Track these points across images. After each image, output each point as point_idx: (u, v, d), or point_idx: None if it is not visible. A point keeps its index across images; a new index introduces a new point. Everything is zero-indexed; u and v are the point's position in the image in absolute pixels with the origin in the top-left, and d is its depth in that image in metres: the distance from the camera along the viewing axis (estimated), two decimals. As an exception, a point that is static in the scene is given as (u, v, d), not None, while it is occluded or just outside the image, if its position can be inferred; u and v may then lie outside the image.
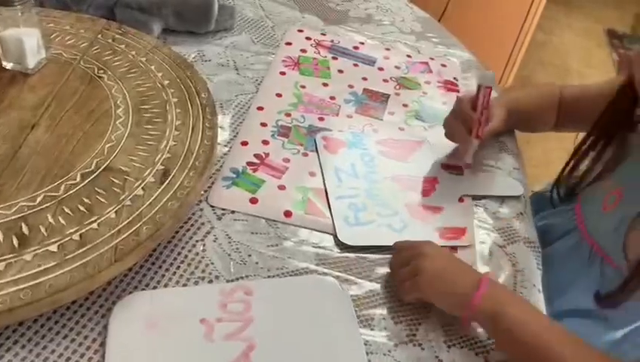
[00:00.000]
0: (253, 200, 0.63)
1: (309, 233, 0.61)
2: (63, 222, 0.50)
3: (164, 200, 0.53)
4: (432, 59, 0.96)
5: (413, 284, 0.54)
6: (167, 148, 0.59)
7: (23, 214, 0.50)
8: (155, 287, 0.52)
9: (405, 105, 0.84)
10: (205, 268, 0.55)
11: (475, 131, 0.68)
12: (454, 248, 0.62)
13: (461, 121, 0.70)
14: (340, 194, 0.66)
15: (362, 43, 0.96)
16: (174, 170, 0.57)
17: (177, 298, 0.51)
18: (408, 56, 0.95)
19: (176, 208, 0.53)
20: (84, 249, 0.48)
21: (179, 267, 0.55)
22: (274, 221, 0.62)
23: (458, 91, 0.89)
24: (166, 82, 0.68)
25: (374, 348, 0.51)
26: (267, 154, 0.69)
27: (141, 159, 0.57)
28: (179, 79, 0.69)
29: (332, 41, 0.95)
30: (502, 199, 0.71)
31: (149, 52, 0.73)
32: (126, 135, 0.60)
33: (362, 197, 0.66)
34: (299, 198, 0.65)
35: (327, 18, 1.03)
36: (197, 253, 0.56)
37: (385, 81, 0.88)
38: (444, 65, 0.95)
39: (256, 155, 0.69)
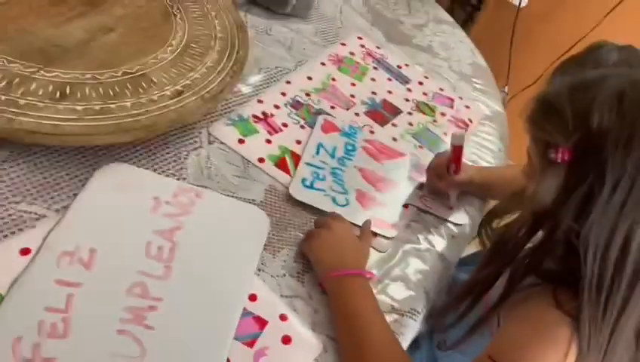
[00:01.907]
0: (241, 141, 0.79)
1: (270, 180, 0.76)
2: (94, 95, 0.69)
3: (168, 109, 0.71)
4: (460, 98, 1.07)
5: (306, 242, 0.68)
6: (193, 77, 0.77)
7: (71, 80, 0.69)
8: (134, 164, 0.70)
9: (410, 124, 0.96)
10: (180, 169, 0.72)
11: (445, 181, 0.80)
12: (375, 234, 0.75)
13: (434, 174, 0.82)
14: (310, 162, 0.80)
15: (407, 65, 1.09)
16: (188, 93, 0.74)
17: (147, 177, 0.69)
18: (441, 89, 1.07)
19: (174, 117, 0.70)
20: (99, 116, 0.66)
21: (161, 160, 0.72)
22: (248, 161, 0.77)
23: (465, 131, 1.00)
24: (219, 35, 0.86)
25: (267, 269, 0.66)
26: (273, 115, 0.85)
27: (169, 78, 0.76)
28: (230, 36, 0.87)
29: (382, 55, 1.09)
30: (445, 221, 0.82)
31: (220, 9, 0.91)
32: (169, 59, 0.78)
33: (326, 172, 0.80)
34: (276, 153, 0.80)
35: (392, 37, 1.17)
36: (179, 157, 0.74)
37: (407, 100, 1.01)
38: (467, 107, 1.05)
39: (263, 112, 0.85)
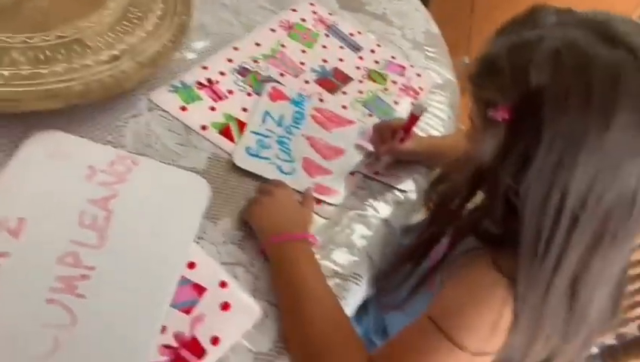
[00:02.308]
0: (183, 108, 0.77)
1: (213, 148, 0.75)
2: (22, 59, 0.66)
3: (104, 74, 0.68)
4: (412, 66, 1.06)
5: (247, 208, 0.67)
6: (131, 42, 0.74)
7: (-1, 44, 0.66)
8: (69, 132, 0.67)
9: (360, 92, 0.95)
10: (118, 137, 0.70)
11: (388, 146, 0.80)
12: (319, 201, 0.74)
13: (378, 134, 0.82)
14: (256, 131, 0.79)
15: (359, 32, 1.08)
16: (125, 58, 0.72)
17: (82, 145, 0.67)
18: (393, 57, 1.06)
19: (109, 83, 0.68)
20: (27, 81, 0.64)
21: (98, 128, 0.70)
22: (191, 129, 0.76)
23: (416, 99, 1.00)
24: (161, -2, 0.83)
25: (208, 237, 0.65)
26: (217, 82, 0.83)
27: (106, 43, 0.73)
28: (173, 0, 0.84)
29: (334, 22, 1.07)
30: (391, 188, 0.82)
31: (162, -28, 0.88)
32: (106, 22, 0.75)
33: (272, 140, 0.79)
34: (221, 120, 0.78)
35: (345, 4, 1.15)
36: (117, 125, 0.71)
37: (357, 68, 1.00)
38: (418, 75, 1.05)
39: (207, 79, 0.83)
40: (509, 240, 0.57)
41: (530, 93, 0.51)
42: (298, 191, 0.74)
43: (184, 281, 0.59)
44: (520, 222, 0.54)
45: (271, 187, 0.69)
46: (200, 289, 0.59)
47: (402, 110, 0.95)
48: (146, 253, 0.60)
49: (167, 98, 0.77)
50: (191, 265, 0.61)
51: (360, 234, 0.74)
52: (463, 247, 0.63)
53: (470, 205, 0.63)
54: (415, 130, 0.82)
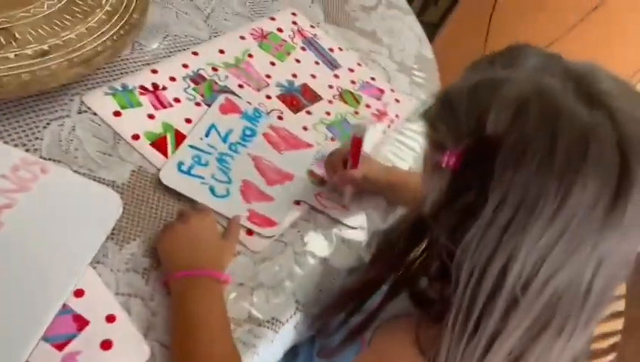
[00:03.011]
0: (117, 113, 0.71)
1: (141, 161, 0.68)
2: None
3: (24, 70, 0.62)
4: (392, 90, 0.99)
5: (158, 235, 0.60)
6: (65, 38, 0.68)
7: None
8: (-22, 130, 0.62)
9: (328, 113, 0.88)
10: (34, 140, 0.64)
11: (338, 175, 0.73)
12: (251, 232, 0.67)
13: (330, 165, 0.75)
14: (195, 145, 0.72)
15: (340, 49, 1.01)
16: (55, 54, 0.66)
17: (-15, 145, 0.61)
18: (372, 78, 0.99)
19: (27, 79, 0.62)
20: None
21: (13, 126, 0.64)
22: (121, 136, 0.69)
23: (388, 126, 0.92)
24: (114, -7, 0.77)
25: (108, 261, 0.58)
26: (165, 88, 0.77)
27: (37, 37, 0.67)
28: (127, -4, 0.78)
29: (315, 35, 1.00)
30: (338, 223, 0.74)
31: (124, -35, 0.82)
32: (43, 15, 0.70)
33: (211, 157, 0.72)
34: (157, 131, 0.72)
35: (332, 17, 1.08)
36: (37, 125, 0.65)
37: (330, 87, 0.93)
38: (397, 101, 0.97)
39: (154, 84, 0.77)
40: (440, 308, 0.50)
41: (483, 139, 0.44)
42: (228, 218, 0.67)
43: (66, 311, 0.53)
44: (452, 290, 0.46)
45: (190, 213, 0.62)
46: (82, 322, 0.53)
47: (370, 136, 0.88)
48: (29, 275, 0.53)
49: (102, 101, 0.71)
50: (78, 293, 0.54)
51: (289, 273, 0.67)
52: (397, 306, 0.56)
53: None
54: (367, 155, 0.74)
